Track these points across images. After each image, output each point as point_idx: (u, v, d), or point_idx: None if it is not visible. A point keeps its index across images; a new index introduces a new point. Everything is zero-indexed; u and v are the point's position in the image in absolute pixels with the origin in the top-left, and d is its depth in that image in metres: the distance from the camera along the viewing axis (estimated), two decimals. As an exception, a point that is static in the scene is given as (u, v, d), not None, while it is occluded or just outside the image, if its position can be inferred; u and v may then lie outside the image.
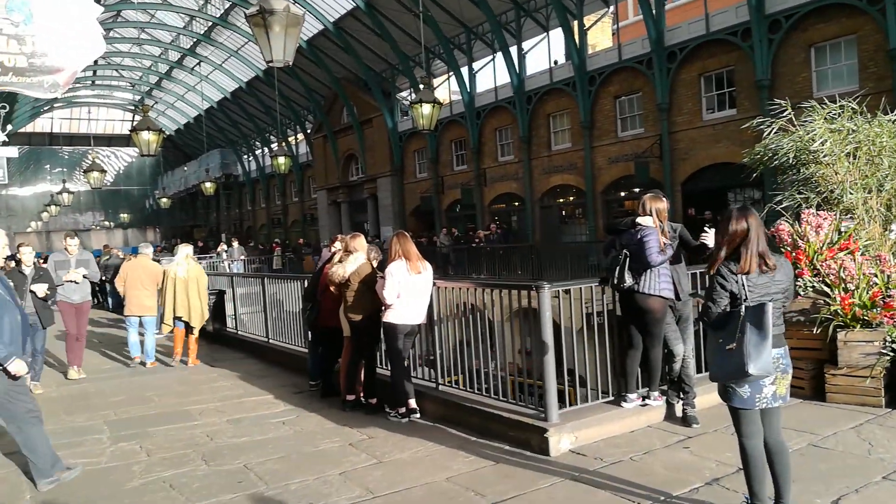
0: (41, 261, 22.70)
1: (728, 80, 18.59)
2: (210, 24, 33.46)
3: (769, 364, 3.25)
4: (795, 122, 6.96)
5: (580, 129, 22.51)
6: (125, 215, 59.42)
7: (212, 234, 50.08)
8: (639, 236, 4.98)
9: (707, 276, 3.49)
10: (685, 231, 5.45)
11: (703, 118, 19.17)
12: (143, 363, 9.46)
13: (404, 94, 31.32)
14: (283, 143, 28.84)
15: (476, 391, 5.84)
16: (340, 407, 6.52)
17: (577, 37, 21.94)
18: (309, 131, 38.71)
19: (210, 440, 5.73)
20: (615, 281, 5.03)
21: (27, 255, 7.87)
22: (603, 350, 5.55)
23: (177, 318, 9.24)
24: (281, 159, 25.94)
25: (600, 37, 25.93)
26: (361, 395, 6.55)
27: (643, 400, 5.37)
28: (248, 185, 47.60)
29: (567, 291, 5.99)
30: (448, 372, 6.35)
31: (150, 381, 8.46)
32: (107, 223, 59.25)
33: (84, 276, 8.70)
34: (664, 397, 5.43)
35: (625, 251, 5.02)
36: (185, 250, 9.51)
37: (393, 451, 5.20)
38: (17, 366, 4.49)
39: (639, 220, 5.04)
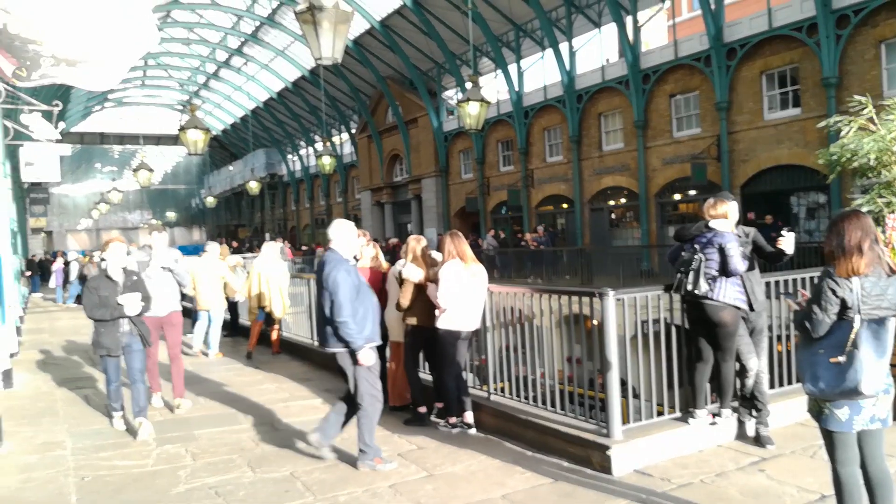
0: (85, 259, 22.94)
1: (792, 78, 17.81)
2: (258, 23, 33.85)
3: (881, 383, 2.95)
4: (877, 121, 6.47)
5: (633, 128, 21.94)
6: (172, 214, 60.77)
7: (256, 233, 50.73)
8: (718, 242, 4.62)
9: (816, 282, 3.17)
10: (759, 236, 5.06)
11: (764, 118, 18.40)
12: (205, 354, 10.18)
13: (450, 93, 31.14)
14: (328, 143, 28.87)
15: (532, 402, 5.55)
16: (387, 413, 6.34)
17: (630, 33, 21.39)
18: (354, 131, 38.84)
19: (256, 445, 5.58)
20: (689, 287, 4.66)
21: (116, 255, 5.97)
22: (660, 361, 5.19)
23: (261, 308, 9.99)
24: (325, 159, 26.01)
25: (655, 33, 25.29)
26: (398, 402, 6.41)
27: (713, 417, 5.00)
28: (293, 184, 48.00)
29: (619, 299, 5.64)
30: (495, 379, 6.08)
31: (195, 381, 8.39)
32: (154, 221, 60.67)
33: (175, 278, 6.91)
34: (735, 415, 5.05)
35: (699, 255, 4.65)
36: (274, 246, 10.44)
37: (444, 463, 4.96)
38: (367, 356, 4.82)
39: (713, 223, 4.68)
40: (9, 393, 7.81)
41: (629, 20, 21.32)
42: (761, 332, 5.03)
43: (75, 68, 3.96)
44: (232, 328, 12.00)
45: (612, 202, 23.98)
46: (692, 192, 20.68)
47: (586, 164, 24.10)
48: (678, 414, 5.09)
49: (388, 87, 32.37)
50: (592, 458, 4.65)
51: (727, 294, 4.66)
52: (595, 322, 5.78)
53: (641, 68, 21.39)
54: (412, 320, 5.96)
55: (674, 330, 5.16)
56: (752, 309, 4.87)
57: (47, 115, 8.47)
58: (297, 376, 8.45)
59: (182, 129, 14.34)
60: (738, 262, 4.57)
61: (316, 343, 9.53)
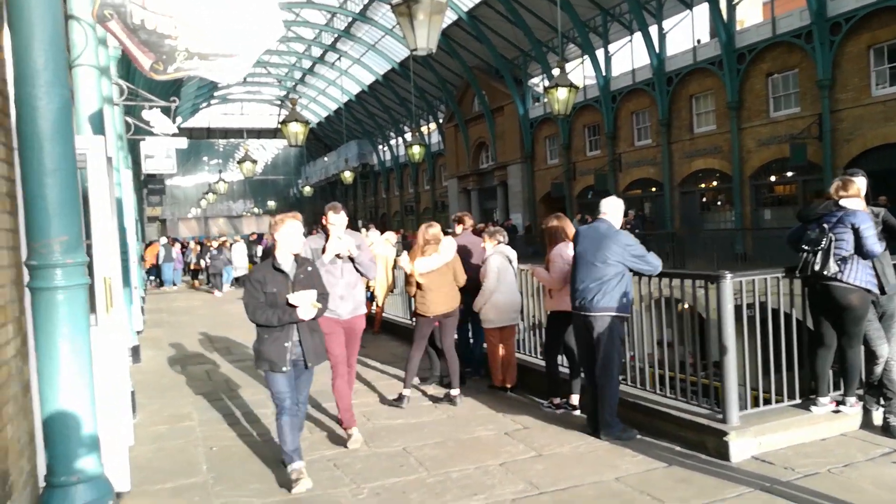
0: (196, 245, 24.83)
1: (904, 51, 16.65)
2: (350, 19, 34.63)
3: None
4: None
5: (726, 110, 21.10)
6: (272, 203, 63.62)
7: (349, 220, 52.29)
8: (850, 222, 4.40)
9: None
10: (889, 216, 4.80)
11: (872, 94, 17.29)
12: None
13: (536, 80, 30.88)
14: (417, 133, 29.38)
15: (639, 386, 5.49)
16: (488, 392, 6.52)
17: (724, 12, 20.54)
18: (441, 120, 39.25)
19: (367, 420, 5.78)
20: (816, 268, 4.46)
21: (290, 240, 4.33)
22: (754, 347, 4.99)
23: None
24: (415, 148, 26.41)
25: (750, 11, 24.14)
26: (506, 382, 6.54)
27: (836, 405, 4.79)
28: (383, 173, 49.15)
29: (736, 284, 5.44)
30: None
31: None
32: (256, 210, 63.70)
33: (354, 264, 5.31)
34: (861, 403, 4.82)
35: (830, 235, 4.45)
36: (389, 236, 11.44)
37: (552, 443, 4.99)
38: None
39: (845, 202, 4.46)
40: (137, 368, 8.39)
41: (723, -1, 20.49)
42: (892, 317, 4.76)
43: (207, 61, 4.20)
44: None
45: (703, 185, 23.22)
46: (790, 174, 19.73)
47: (676, 146, 23.39)
48: (798, 400, 4.90)
49: (475, 76, 32.51)
50: (707, 443, 4.56)
51: (858, 276, 4.44)
52: (687, 306, 5.67)
53: (736, 47, 20.52)
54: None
55: (770, 314, 4.94)
56: (882, 292, 4.63)
57: (165, 111, 9.00)
58: (398, 355, 8.67)
59: (283, 122, 15.00)
60: (875, 243, 4.34)
61: (413, 322, 9.76)
